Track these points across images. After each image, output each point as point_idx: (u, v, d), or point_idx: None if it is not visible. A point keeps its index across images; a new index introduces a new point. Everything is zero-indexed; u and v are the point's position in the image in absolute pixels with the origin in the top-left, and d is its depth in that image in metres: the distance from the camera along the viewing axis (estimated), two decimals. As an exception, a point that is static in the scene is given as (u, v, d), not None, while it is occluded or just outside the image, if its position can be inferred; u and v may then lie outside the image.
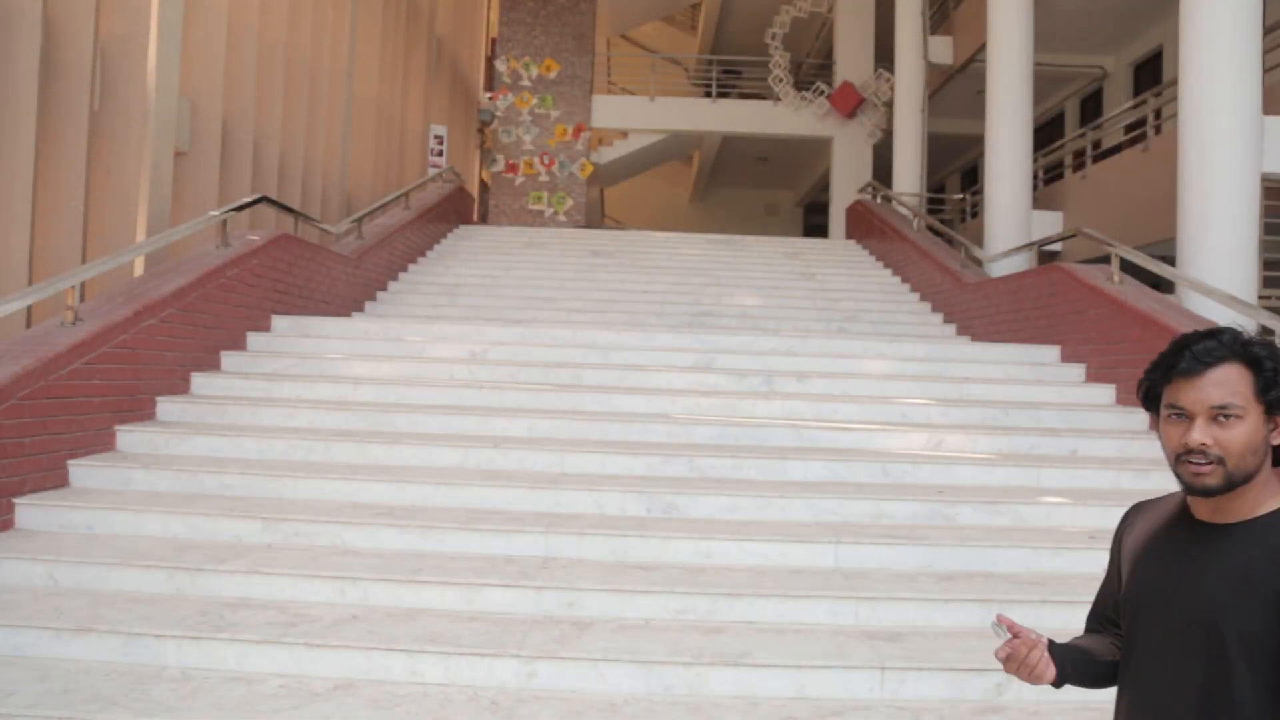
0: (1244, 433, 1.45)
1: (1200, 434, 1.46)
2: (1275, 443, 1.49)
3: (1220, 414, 1.46)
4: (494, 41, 19.66)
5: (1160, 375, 1.53)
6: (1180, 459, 1.48)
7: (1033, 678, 1.65)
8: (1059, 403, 6.27)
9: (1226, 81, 6.44)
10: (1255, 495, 1.49)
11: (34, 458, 4.44)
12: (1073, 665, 1.72)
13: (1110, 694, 3.69)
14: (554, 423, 5.57)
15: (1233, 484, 1.46)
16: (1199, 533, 1.53)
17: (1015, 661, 1.64)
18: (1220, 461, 1.45)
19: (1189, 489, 1.50)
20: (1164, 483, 5.46)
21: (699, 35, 22.94)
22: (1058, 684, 1.70)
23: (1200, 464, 1.46)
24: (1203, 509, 1.54)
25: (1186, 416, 1.48)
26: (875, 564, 4.29)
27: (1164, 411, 1.52)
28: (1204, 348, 1.49)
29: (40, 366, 4.44)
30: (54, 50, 6.33)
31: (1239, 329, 1.53)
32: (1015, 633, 1.63)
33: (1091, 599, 3.69)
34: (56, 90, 6.36)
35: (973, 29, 13.43)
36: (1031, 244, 9.19)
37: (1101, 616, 1.80)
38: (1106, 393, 6.38)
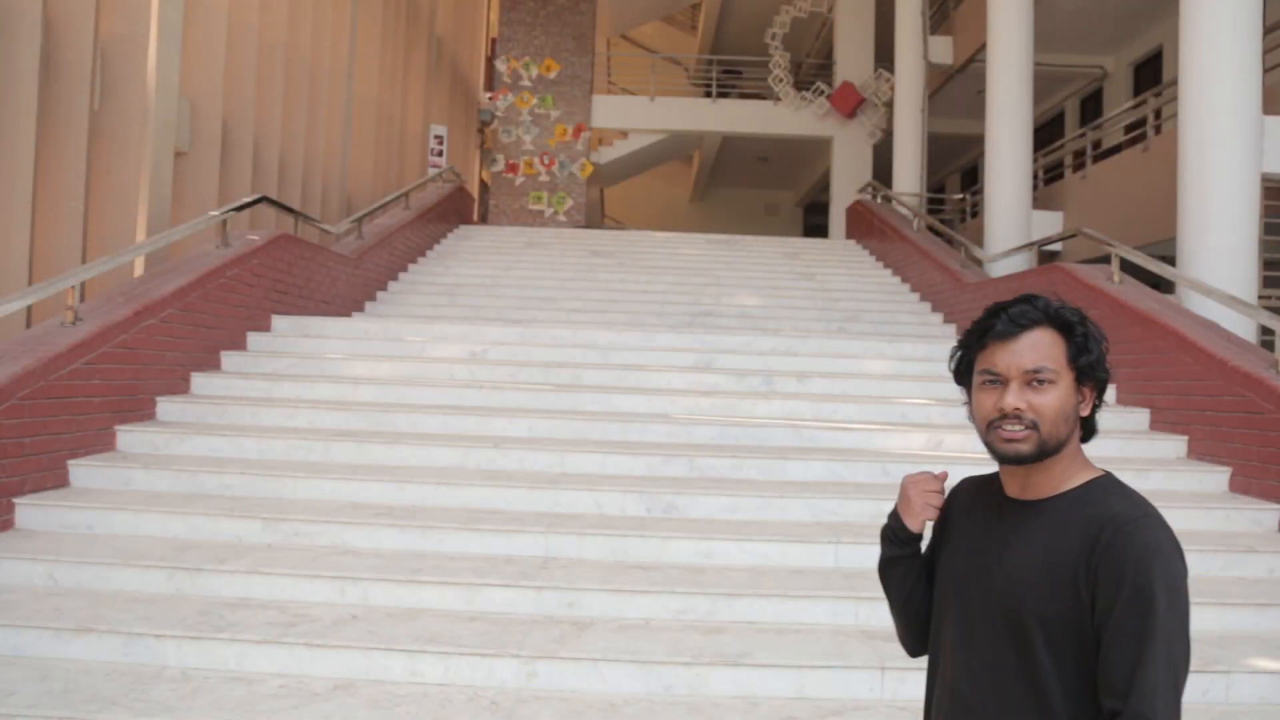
0: (1057, 398, 1.44)
1: (1014, 398, 1.44)
2: (1084, 414, 1.49)
3: (1034, 378, 1.44)
4: (494, 41, 19.66)
5: (975, 340, 1.51)
6: (993, 425, 1.46)
7: (911, 509, 1.63)
8: (1059, 403, 6.26)
9: (1226, 81, 6.43)
10: (1063, 469, 1.47)
11: (34, 458, 4.44)
12: (915, 575, 1.69)
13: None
14: (554, 423, 5.57)
15: (1045, 451, 1.44)
16: (1007, 511, 1.51)
17: (920, 486, 1.62)
18: (1034, 427, 1.43)
19: (1002, 457, 1.47)
20: (1164, 482, 5.48)
21: (699, 35, 22.94)
22: (914, 537, 1.67)
23: (1014, 430, 1.43)
24: (1013, 485, 1.51)
25: (1000, 382, 1.46)
26: (875, 564, 4.28)
27: (977, 378, 1.50)
28: (1019, 311, 1.47)
29: (40, 366, 4.44)
30: (54, 50, 6.34)
31: (1048, 297, 1.52)
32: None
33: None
34: (56, 90, 6.36)
35: (973, 29, 13.43)
36: (1031, 244, 9.19)
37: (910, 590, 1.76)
38: (1106, 392, 6.36)
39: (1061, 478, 1.47)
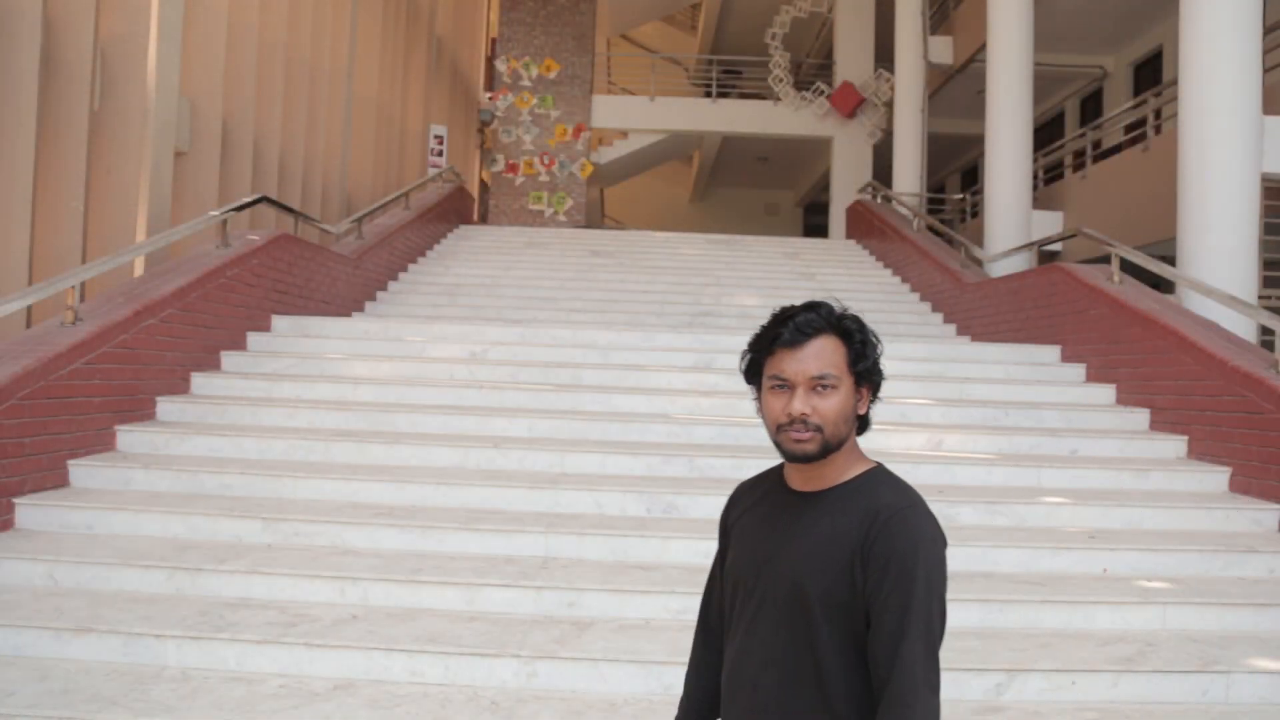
0: (839, 402, 1.55)
1: (801, 403, 1.54)
2: (861, 412, 1.60)
3: (819, 384, 1.54)
4: (494, 41, 19.66)
5: (764, 347, 1.59)
6: (782, 428, 1.56)
7: None
8: (1059, 403, 6.27)
9: (1226, 81, 6.43)
10: (842, 462, 1.60)
11: (34, 458, 4.44)
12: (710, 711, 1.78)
13: (1109, 694, 3.69)
14: (554, 423, 5.57)
15: (828, 450, 1.55)
16: (791, 501, 1.62)
17: None
18: (819, 430, 1.54)
19: (790, 457, 1.58)
20: (1164, 482, 5.48)
21: (699, 35, 22.94)
22: None
23: (800, 433, 1.54)
24: (796, 478, 1.63)
25: (788, 387, 1.55)
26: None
27: (766, 382, 1.59)
28: (804, 320, 1.56)
29: (40, 366, 4.44)
30: (54, 50, 6.34)
31: (832, 303, 1.61)
32: None
33: (1091, 599, 3.70)
34: (56, 90, 6.36)
35: (973, 29, 13.43)
36: (1031, 244, 9.19)
37: (708, 605, 1.82)
38: (1106, 393, 6.38)
39: (840, 470, 1.60)
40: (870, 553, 1.49)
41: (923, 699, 1.44)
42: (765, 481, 1.72)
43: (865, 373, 1.58)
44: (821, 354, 1.55)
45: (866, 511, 1.53)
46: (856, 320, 1.59)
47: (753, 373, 1.63)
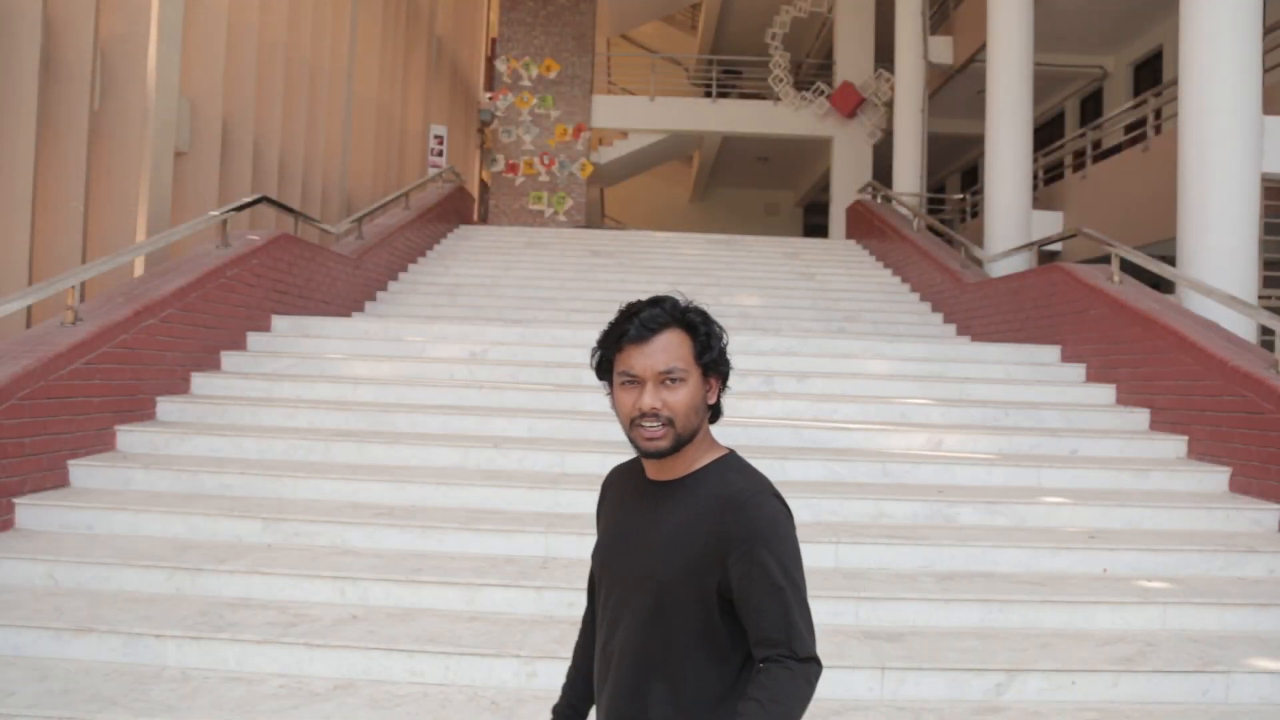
0: (687, 394, 1.59)
1: (650, 398, 1.57)
2: (711, 402, 1.65)
3: (667, 378, 1.58)
4: (494, 41, 19.66)
5: (612, 344, 1.62)
6: (635, 423, 1.59)
7: None
8: (1059, 403, 6.27)
9: (1226, 81, 6.43)
10: (694, 452, 1.64)
11: (34, 458, 4.44)
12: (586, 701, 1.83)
13: (1109, 694, 3.68)
14: (554, 423, 5.57)
15: (680, 443, 1.60)
16: (648, 491, 1.67)
17: None
18: (670, 423, 1.58)
19: (644, 453, 1.62)
20: (1164, 482, 5.48)
21: (699, 35, 22.93)
22: None
23: (653, 427, 1.58)
24: (651, 469, 1.67)
25: (638, 382, 1.59)
26: (875, 564, 4.29)
27: (617, 378, 1.62)
28: (650, 315, 1.59)
29: (40, 366, 4.44)
30: (54, 50, 6.33)
31: (677, 297, 1.64)
32: None
33: (1091, 599, 3.73)
34: (56, 90, 6.36)
35: (973, 29, 13.42)
36: (1031, 244, 9.19)
37: (591, 589, 1.86)
38: (1106, 393, 6.38)
39: (692, 459, 1.64)
40: (727, 539, 1.54)
41: (814, 657, 1.55)
42: (631, 471, 1.77)
43: (712, 364, 1.62)
44: (668, 348, 1.58)
45: (719, 498, 1.58)
46: (701, 313, 1.63)
47: (604, 369, 1.66)
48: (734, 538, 1.54)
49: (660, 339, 1.58)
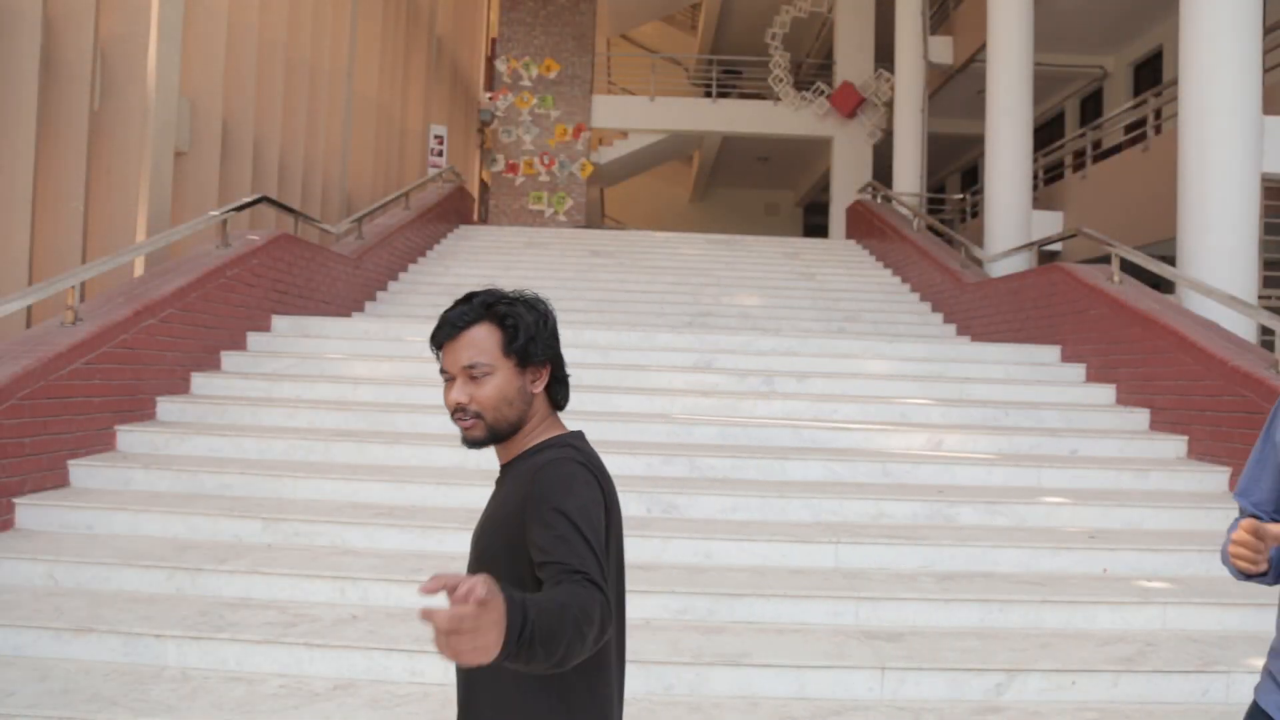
0: (495, 387, 1.60)
1: (457, 393, 1.61)
2: (536, 391, 1.65)
3: (471, 373, 1.60)
4: (494, 41, 19.66)
5: (435, 345, 1.65)
6: (453, 417, 1.64)
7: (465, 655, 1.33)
8: (1059, 403, 6.27)
9: (1226, 81, 6.43)
10: (524, 438, 1.66)
11: (34, 458, 4.44)
12: None
13: (1109, 694, 3.68)
14: (554, 423, 5.56)
15: (498, 434, 1.63)
16: (499, 475, 1.73)
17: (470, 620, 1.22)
18: (479, 416, 1.61)
19: (464, 443, 1.66)
20: (1164, 482, 5.47)
21: (699, 35, 22.93)
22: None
23: (464, 419, 1.62)
24: (498, 453, 1.71)
25: (452, 378, 1.63)
26: (875, 564, 4.29)
27: (442, 375, 1.66)
28: (456, 313, 1.62)
29: (40, 366, 4.44)
30: (54, 50, 6.33)
31: (495, 291, 1.66)
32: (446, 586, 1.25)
33: (1091, 599, 3.73)
34: (56, 90, 6.36)
35: (973, 29, 13.43)
36: (1031, 244, 9.19)
37: None
38: (1106, 393, 6.38)
39: (523, 444, 1.67)
40: (529, 497, 1.55)
41: (604, 589, 1.49)
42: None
43: (523, 353, 1.61)
44: (473, 343, 1.60)
45: (530, 470, 1.60)
46: (509, 303, 1.64)
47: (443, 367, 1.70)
48: (531, 496, 1.55)
49: (467, 335, 1.61)
